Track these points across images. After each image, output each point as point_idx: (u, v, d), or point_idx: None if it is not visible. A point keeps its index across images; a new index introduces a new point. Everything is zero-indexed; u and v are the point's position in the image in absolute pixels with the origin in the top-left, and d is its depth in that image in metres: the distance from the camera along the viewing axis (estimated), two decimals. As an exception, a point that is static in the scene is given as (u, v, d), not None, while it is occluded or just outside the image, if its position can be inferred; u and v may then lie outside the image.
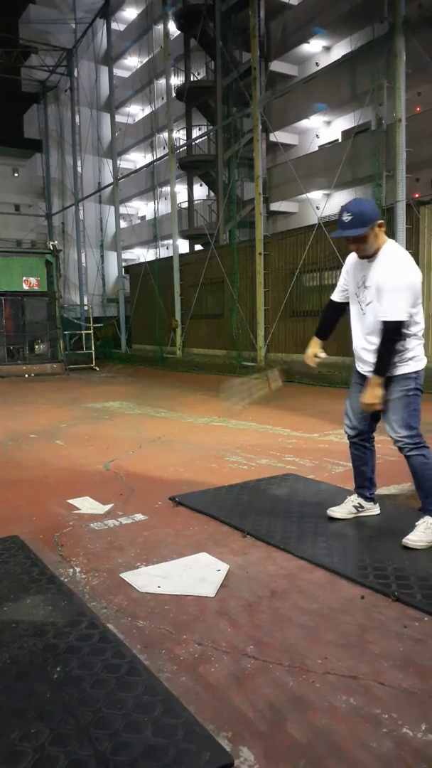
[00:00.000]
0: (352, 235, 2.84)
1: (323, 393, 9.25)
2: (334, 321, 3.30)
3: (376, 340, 2.94)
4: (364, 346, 3.05)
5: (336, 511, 3.37)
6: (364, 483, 3.35)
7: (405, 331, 2.88)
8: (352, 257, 3.10)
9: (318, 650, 2.09)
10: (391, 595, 2.45)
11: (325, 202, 14.48)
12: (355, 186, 15.75)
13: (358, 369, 3.19)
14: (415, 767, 1.56)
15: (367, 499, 3.37)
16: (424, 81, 13.24)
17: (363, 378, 3.13)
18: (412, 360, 2.94)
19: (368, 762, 1.57)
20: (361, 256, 2.98)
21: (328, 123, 19.29)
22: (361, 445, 3.29)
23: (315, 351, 3.30)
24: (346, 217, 2.83)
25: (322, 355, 3.29)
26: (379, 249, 2.93)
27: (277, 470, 4.57)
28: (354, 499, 3.37)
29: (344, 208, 2.87)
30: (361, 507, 3.36)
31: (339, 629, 2.23)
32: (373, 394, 2.94)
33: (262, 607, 2.41)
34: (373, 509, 3.40)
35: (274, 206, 19.01)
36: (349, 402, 3.26)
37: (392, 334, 2.85)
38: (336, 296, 3.25)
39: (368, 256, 2.95)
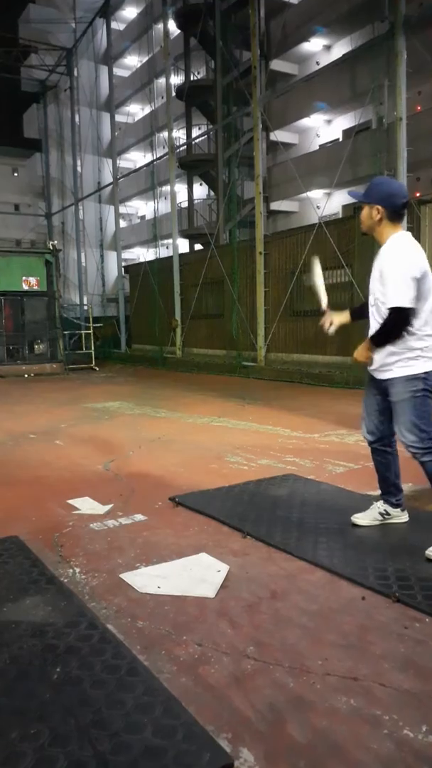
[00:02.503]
0: (350, 194, 2.99)
1: (323, 393, 9.24)
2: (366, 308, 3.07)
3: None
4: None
5: (360, 519, 3.23)
6: (389, 489, 3.20)
7: (409, 327, 2.75)
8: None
9: (318, 651, 2.09)
10: (391, 596, 2.44)
11: (326, 202, 14.47)
12: (355, 185, 15.73)
13: (368, 368, 3.04)
14: (416, 769, 1.55)
15: (394, 505, 3.21)
16: (424, 80, 13.24)
17: (373, 380, 3.03)
18: (417, 360, 2.79)
19: (369, 763, 1.57)
20: (362, 231, 3.00)
21: (329, 122, 19.29)
22: (383, 450, 3.14)
23: (338, 318, 3.11)
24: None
25: (335, 322, 3.11)
26: (386, 238, 2.86)
27: (277, 470, 4.57)
28: (380, 506, 3.23)
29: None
30: (387, 514, 3.21)
31: (339, 630, 2.22)
32: (362, 351, 2.91)
33: (262, 608, 2.41)
34: (401, 516, 3.24)
35: (275, 205, 19.02)
36: (364, 407, 3.14)
37: (396, 322, 2.73)
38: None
39: (366, 233, 2.98)
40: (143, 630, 2.25)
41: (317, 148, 18.75)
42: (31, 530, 3.37)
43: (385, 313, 2.81)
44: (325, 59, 17.12)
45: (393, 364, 2.86)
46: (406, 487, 3.88)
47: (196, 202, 21.77)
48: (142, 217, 29.68)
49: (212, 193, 20.68)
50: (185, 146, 20.56)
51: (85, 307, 20.00)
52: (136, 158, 27.50)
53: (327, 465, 4.72)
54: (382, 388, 2.99)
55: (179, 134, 21.60)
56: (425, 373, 2.80)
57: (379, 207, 2.81)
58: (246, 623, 2.29)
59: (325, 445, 5.44)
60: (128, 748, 1.61)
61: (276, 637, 2.19)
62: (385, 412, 3.04)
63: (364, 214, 2.89)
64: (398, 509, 3.24)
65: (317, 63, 17.44)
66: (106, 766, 1.55)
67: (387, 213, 2.82)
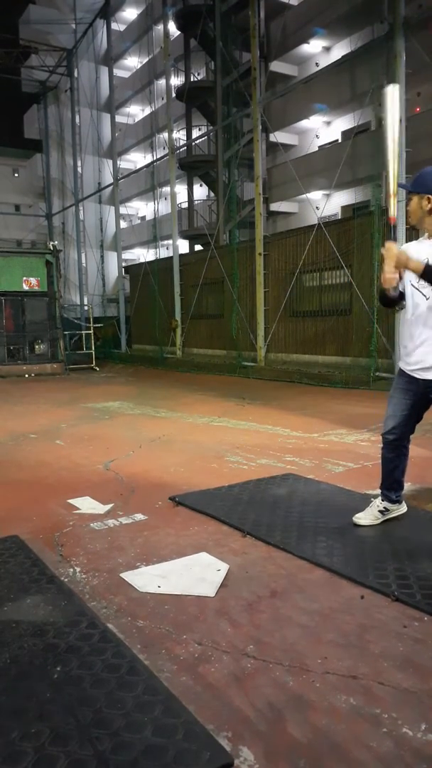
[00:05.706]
0: (400, 186, 2.87)
1: (323, 393, 9.25)
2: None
3: None
4: (425, 337, 2.88)
5: (361, 519, 3.23)
6: (392, 485, 3.21)
7: None
8: (411, 247, 3.00)
9: (318, 650, 2.09)
10: (390, 594, 2.45)
11: (325, 203, 14.50)
12: (354, 186, 15.77)
13: (405, 369, 3.01)
14: (415, 767, 1.56)
15: (393, 501, 3.23)
16: (423, 81, 13.25)
17: (410, 381, 2.99)
18: None
19: (368, 762, 1.57)
20: (410, 224, 2.95)
21: (328, 123, 19.31)
22: (398, 447, 3.15)
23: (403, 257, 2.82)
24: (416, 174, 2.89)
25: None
26: None
27: (277, 470, 4.57)
28: (379, 504, 3.23)
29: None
30: (387, 510, 3.23)
31: (339, 629, 2.23)
32: (397, 261, 2.75)
33: (262, 607, 2.41)
34: (400, 509, 3.28)
35: (274, 206, 19.03)
36: (392, 407, 3.12)
37: None
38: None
39: (414, 226, 2.92)
40: (143, 629, 2.26)
41: (316, 149, 18.76)
42: (31, 530, 3.38)
43: None
44: (325, 61, 17.14)
45: None
46: (406, 486, 3.89)
47: (196, 202, 21.79)
48: (143, 218, 29.69)
49: (212, 194, 20.69)
50: (185, 147, 20.59)
51: (86, 308, 20.01)
52: (137, 159, 27.53)
53: (326, 464, 4.73)
54: (421, 389, 2.96)
55: (179, 135, 21.62)
56: None
57: (430, 196, 2.81)
58: (246, 622, 2.30)
59: (324, 445, 5.45)
60: (128, 747, 1.61)
61: (276, 635, 2.19)
62: (414, 414, 3.06)
63: (413, 205, 2.86)
64: (396, 504, 3.27)
65: (317, 64, 17.46)
66: (107, 765, 1.55)
67: None
